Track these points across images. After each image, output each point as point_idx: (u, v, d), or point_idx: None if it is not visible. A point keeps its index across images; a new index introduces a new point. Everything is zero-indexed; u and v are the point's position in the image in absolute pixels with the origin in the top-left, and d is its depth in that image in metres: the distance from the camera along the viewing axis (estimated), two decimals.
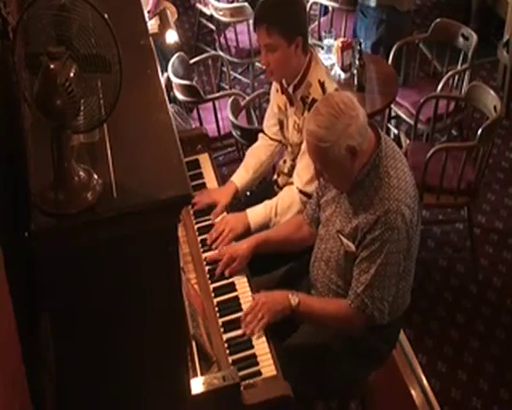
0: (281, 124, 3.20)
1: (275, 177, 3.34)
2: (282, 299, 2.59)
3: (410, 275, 2.63)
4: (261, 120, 4.18)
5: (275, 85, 3.19)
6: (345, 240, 2.54)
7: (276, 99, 3.18)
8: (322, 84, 2.94)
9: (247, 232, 2.96)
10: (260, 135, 3.36)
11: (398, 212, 2.42)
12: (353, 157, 2.42)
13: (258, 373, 2.43)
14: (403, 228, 2.44)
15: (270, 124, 3.29)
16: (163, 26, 4.82)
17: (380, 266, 2.46)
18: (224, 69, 4.85)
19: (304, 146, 2.96)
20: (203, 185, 3.18)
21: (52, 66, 1.63)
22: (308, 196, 2.98)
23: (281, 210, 3.02)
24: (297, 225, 2.86)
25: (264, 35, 2.90)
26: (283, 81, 3.05)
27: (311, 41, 4.64)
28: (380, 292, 2.49)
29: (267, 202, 3.07)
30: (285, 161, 3.23)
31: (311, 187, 2.97)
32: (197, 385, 2.25)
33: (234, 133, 3.84)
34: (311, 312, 2.61)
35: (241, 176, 3.24)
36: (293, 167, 3.16)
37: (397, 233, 2.43)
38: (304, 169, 2.99)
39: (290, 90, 3.02)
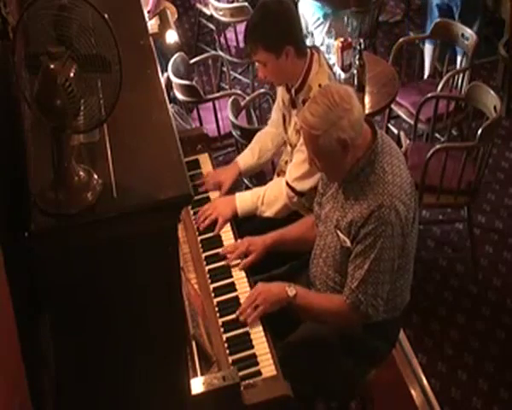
0: (284, 118, 3.21)
1: (275, 177, 3.34)
2: (278, 290, 2.61)
3: (408, 273, 2.63)
4: (261, 120, 4.19)
5: None
6: (341, 235, 2.55)
7: (281, 94, 3.19)
8: None
9: (234, 216, 3.02)
10: (269, 122, 3.38)
11: (392, 207, 2.43)
12: (344, 150, 2.43)
13: (258, 373, 2.43)
14: (397, 224, 2.44)
15: (275, 117, 3.32)
16: (163, 26, 4.82)
17: (373, 262, 2.47)
18: (224, 69, 4.84)
19: (298, 145, 2.98)
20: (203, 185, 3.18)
21: (52, 66, 1.63)
22: (295, 192, 3.01)
23: (267, 200, 3.06)
24: (310, 225, 2.85)
25: (252, 53, 2.96)
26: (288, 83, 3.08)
27: (311, 42, 4.67)
28: (374, 288, 2.50)
29: (256, 190, 3.13)
30: (286, 162, 3.24)
31: (299, 184, 3.01)
32: (197, 385, 2.25)
33: (234, 133, 3.83)
34: (307, 305, 2.62)
35: (247, 159, 3.28)
36: None
37: (391, 229, 2.43)
38: (296, 166, 3.01)
39: (292, 93, 3.03)
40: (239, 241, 2.87)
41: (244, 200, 3.07)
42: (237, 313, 2.59)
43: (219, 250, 2.87)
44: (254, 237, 2.84)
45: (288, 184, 3.03)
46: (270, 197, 3.06)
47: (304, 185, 3.00)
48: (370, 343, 2.67)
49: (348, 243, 2.53)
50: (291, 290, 2.59)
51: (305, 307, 2.63)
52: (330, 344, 2.68)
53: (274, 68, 2.94)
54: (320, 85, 2.94)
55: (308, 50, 3.00)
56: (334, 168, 2.53)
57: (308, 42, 4.66)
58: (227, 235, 2.96)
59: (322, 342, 2.68)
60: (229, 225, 3.00)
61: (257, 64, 3.04)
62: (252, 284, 2.74)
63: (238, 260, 2.81)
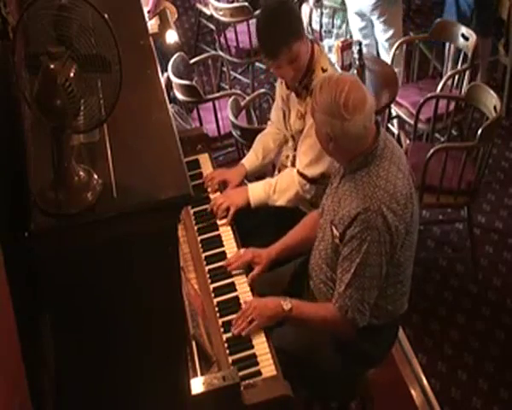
0: (283, 114, 3.22)
1: (275, 173, 3.35)
2: (273, 305, 2.60)
3: (401, 284, 2.60)
4: (261, 119, 4.19)
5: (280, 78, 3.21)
6: (335, 230, 2.54)
7: (280, 91, 3.21)
8: (324, 72, 2.97)
9: (246, 207, 3.04)
10: (269, 123, 3.41)
11: (379, 212, 2.40)
12: (330, 141, 2.45)
13: (258, 373, 2.43)
14: (384, 230, 2.41)
15: (275, 116, 3.33)
16: (163, 26, 4.82)
17: (359, 266, 2.45)
18: (224, 69, 4.85)
19: (305, 130, 2.99)
20: (203, 185, 3.18)
21: (52, 66, 1.63)
22: (307, 179, 3.03)
23: (279, 188, 3.09)
24: (312, 225, 2.84)
25: (287, 56, 2.89)
26: None
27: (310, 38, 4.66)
28: (359, 294, 2.48)
29: (267, 180, 3.17)
30: (287, 157, 3.24)
31: (310, 170, 3.02)
32: (197, 385, 2.25)
33: (234, 133, 3.84)
34: (303, 318, 2.61)
35: (252, 160, 3.31)
36: (295, 158, 3.17)
37: (377, 234, 2.41)
38: (305, 152, 3.03)
39: (296, 84, 3.04)
40: (242, 250, 2.85)
41: (256, 189, 3.11)
42: (232, 329, 2.55)
43: (223, 263, 2.84)
44: (259, 249, 2.83)
45: (299, 172, 3.05)
46: (282, 186, 3.09)
47: (314, 171, 3.01)
48: (360, 346, 2.64)
49: (338, 240, 2.52)
50: (286, 305, 2.58)
51: (301, 319, 2.61)
52: (319, 345, 2.67)
53: (301, 57, 2.93)
54: (323, 68, 2.97)
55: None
56: (322, 146, 2.57)
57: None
58: (227, 235, 2.96)
59: (310, 344, 2.67)
60: (229, 225, 3.00)
61: (274, 67, 2.99)
62: (252, 286, 2.74)
63: (241, 270, 2.79)
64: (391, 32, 4.82)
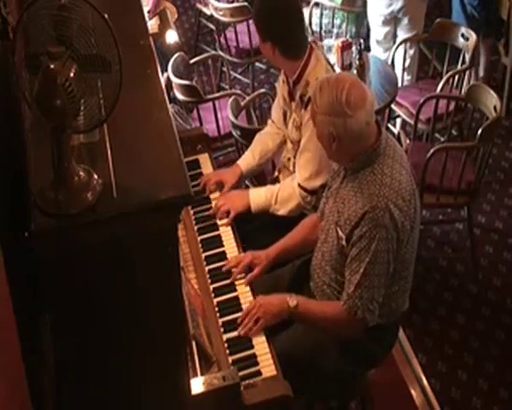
0: (284, 115, 3.22)
1: (276, 174, 3.35)
2: (279, 302, 2.59)
3: (405, 281, 2.61)
4: (261, 119, 4.19)
5: (281, 76, 3.22)
6: (340, 232, 2.54)
7: (281, 90, 3.21)
8: None
9: (247, 212, 3.04)
10: (269, 122, 3.39)
11: (386, 210, 2.41)
12: (333, 141, 2.44)
13: (258, 373, 2.43)
14: (391, 227, 2.42)
15: (276, 115, 3.32)
16: (163, 26, 4.82)
17: (368, 265, 2.45)
18: (224, 69, 4.85)
19: (302, 144, 2.99)
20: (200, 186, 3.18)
21: (52, 66, 1.63)
22: (307, 191, 3.02)
23: (280, 199, 3.08)
24: (311, 226, 2.85)
25: (259, 33, 3.04)
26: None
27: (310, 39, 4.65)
28: (370, 293, 2.48)
29: (269, 187, 3.15)
30: (289, 159, 3.24)
31: (310, 184, 3.01)
32: (197, 385, 2.25)
33: (234, 133, 3.84)
34: (309, 315, 2.60)
35: (248, 160, 3.29)
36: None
37: (385, 231, 2.42)
38: (304, 166, 3.02)
39: (290, 84, 3.05)
40: (242, 254, 2.85)
41: (258, 196, 3.10)
42: (239, 329, 2.55)
43: (223, 263, 2.83)
44: (258, 251, 2.82)
45: (299, 185, 3.04)
46: (283, 196, 3.07)
47: (315, 183, 3.01)
48: (363, 345, 2.65)
49: (344, 241, 2.53)
50: (292, 301, 2.57)
51: (307, 317, 2.61)
52: (322, 343, 2.67)
53: (263, 49, 3.05)
54: (318, 79, 2.95)
55: (307, 47, 3.00)
56: (324, 148, 2.56)
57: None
58: (227, 235, 2.96)
59: (313, 341, 2.67)
60: (229, 225, 3.00)
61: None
62: (252, 285, 2.75)
63: (242, 275, 2.78)
64: (415, 31, 4.84)
